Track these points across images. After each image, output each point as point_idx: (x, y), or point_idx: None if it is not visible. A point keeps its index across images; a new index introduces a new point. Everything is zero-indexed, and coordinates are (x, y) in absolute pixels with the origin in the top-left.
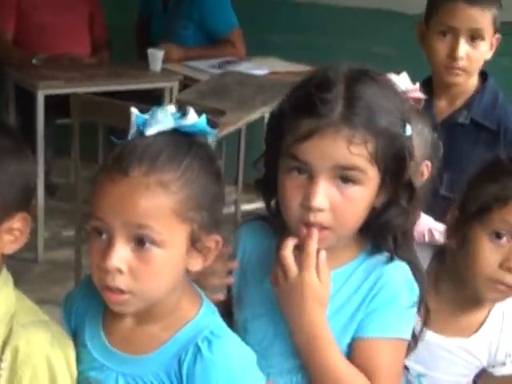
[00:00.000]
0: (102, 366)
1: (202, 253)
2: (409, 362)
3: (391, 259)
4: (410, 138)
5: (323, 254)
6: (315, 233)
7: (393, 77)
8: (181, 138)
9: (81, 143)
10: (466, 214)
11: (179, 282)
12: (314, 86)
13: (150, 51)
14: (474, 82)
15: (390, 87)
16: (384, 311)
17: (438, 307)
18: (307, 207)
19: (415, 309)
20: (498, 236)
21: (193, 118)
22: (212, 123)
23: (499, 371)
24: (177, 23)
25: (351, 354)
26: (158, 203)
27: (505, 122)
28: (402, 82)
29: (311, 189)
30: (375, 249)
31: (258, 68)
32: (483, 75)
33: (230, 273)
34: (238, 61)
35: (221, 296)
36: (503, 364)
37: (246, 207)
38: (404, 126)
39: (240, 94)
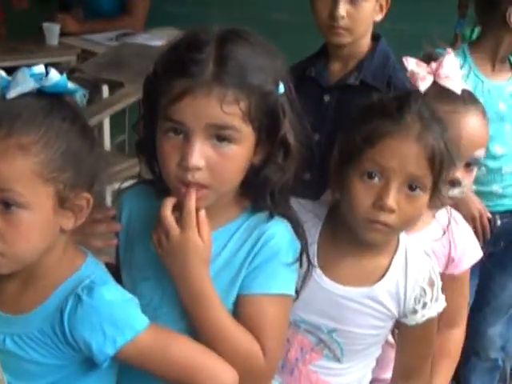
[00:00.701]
0: None
1: (73, 211)
2: (318, 319)
3: (271, 217)
4: (283, 95)
5: (203, 212)
6: (193, 191)
7: (408, 59)
8: (43, 99)
9: None
10: (342, 160)
11: (55, 241)
12: (186, 46)
13: (46, 25)
14: (365, 44)
15: (263, 46)
16: (266, 268)
17: (339, 259)
18: (184, 167)
19: (297, 265)
20: (370, 176)
21: (54, 78)
22: (81, 81)
23: (412, 320)
24: None
25: (237, 311)
26: (18, 167)
27: (394, 82)
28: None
29: (187, 148)
30: (256, 207)
31: (156, 39)
32: (376, 39)
33: (116, 235)
34: (136, 33)
35: (114, 241)
36: (414, 312)
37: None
38: (277, 85)
39: (138, 65)
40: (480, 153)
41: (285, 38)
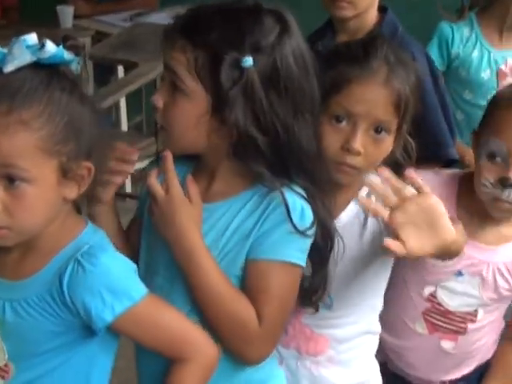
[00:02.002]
0: None
1: (75, 181)
2: None
3: (283, 185)
4: (251, 69)
5: (189, 176)
6: (169, 153)
7: None
8: (41, 71)
9: None
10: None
11: (57, 212)
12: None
13: (59, 8)
14: (372, 17)
15: (250, 19)
16: (273, 234)
17: None
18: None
19: (309, 236)
20: (338, 120)
21: (51, 50)
22: (74, 49)
23: None
24: None
25: (244, 276)
26: (21, 142)
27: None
28: None
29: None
30: (272, 177)
31: (170, 18)
32: (384, 10)
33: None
34: (150, 12)
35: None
36: None
37: None
38: (242, 55)
39: (152, 45)
40: None
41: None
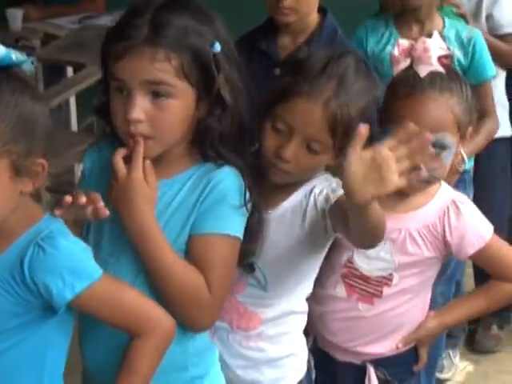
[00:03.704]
0: None
1: (29, 176)
2: None
3: (220, 165)
4: (220, 54)
5: (148, 161)
6: (140, 139)
7: (427, 42)
8: None
9: None
10: (266, 106)
11: (15, 203)
12: (128, 13)
13: (9, 11)
14: (313, 19)
15: (200, 11)
16: (214, 209)
17: None
18: (127, 120)
19: (244, 209)
20: (279, 126)
21: None
22: (27, 50)
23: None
24: None
25: (188, 250)
26: None
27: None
28: (436, 43)
29: (128, 103)
30: (206, 158)
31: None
32: (324, 12)
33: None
34: (98, 15)
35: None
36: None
37: None
38: (212, 44)
39: (99, 46)
40: (438, 137)
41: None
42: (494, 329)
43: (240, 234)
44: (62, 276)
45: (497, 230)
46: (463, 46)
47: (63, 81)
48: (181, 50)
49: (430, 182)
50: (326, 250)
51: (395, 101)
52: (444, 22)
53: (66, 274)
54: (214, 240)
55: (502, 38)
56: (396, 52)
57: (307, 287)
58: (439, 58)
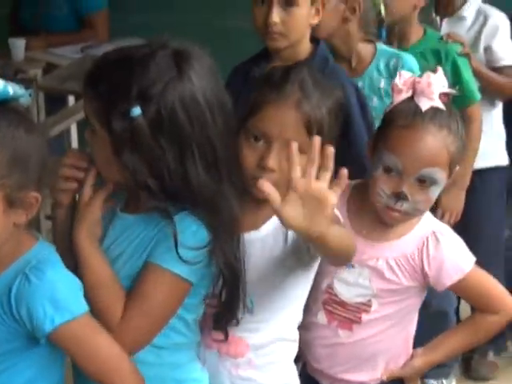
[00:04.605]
0: None
1: (23, 208)
2: None
3: (181, 210)
4: (141, 118)
5: (101, 188)
6: (94, 170)
7: (432, 77)
8: None
9: None
10: (239, 125)
11: (10, 234)
12: None
13: (11, 40)
14: (305, 47)
15: (136, 66)
16: (165, 243)
17: None
18: None
19: (202, 256)
20: (256, 139)
21: None
22: (25, 82)
23: None
24: (50, 2)
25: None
26: None
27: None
28: (440, 80)
29: None
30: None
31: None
32: (317, 42)
33: None
34: (100, 44)
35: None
36: None
37: None
38: (131, 105)
39: None
40: (430, 171)
41: (238, 44)
42: (491, 356)
43: (189, 277)
44: (43, 307)
45: (489, 259)
46: (390, 74)
47: (64, 109)
48: (98, 97)
49: (412, 214)
50: (314, 272)
51: (393, 129)
52: (375, 52)
53: (48, 305)
54: (154, 271)
55: (500, 70)
56: (399, 82)
57: (296, 313)
58: (440, 95)
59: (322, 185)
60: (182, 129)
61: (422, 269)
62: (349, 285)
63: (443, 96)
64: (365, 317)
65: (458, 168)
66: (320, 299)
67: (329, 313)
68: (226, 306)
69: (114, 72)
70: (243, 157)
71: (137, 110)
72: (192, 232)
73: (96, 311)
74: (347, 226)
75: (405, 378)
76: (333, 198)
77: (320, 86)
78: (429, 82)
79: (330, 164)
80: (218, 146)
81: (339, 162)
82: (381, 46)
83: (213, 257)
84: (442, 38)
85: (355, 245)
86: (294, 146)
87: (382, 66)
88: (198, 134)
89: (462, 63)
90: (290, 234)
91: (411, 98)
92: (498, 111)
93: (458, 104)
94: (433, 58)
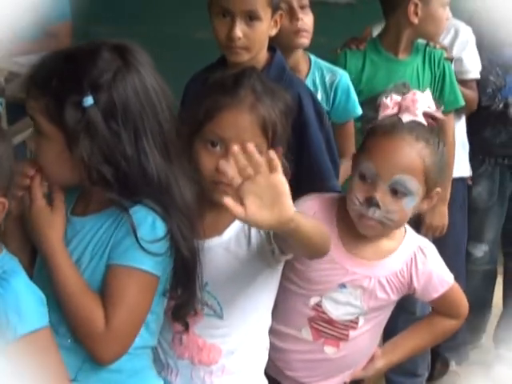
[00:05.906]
0: None
1: None
2: None
3: (136, 202)
4: (94, 108)
5: (57, 189)
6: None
7: (417, 95)
8: None
9: None
10: (190, 132)
11: None
12: None
13: None
14: (263, 56)
15: (85, 59)
16: (126, 241)
17: None
18: None
19: (163, 246)
20: (213, 144)
21: None
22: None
23: None
24: None
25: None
26: None
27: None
28: (425, 100)
29: None
30: (122, 197)
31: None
32: (273, 50)
33: None
34: None
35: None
36: None
37: None
38: (83, 95)
39: None
40: (404, 179)
41: (207, 57)
42: (453, 365)
43: (154, 270)
44: (7, 317)
45: (454, 267)
46: (325, 89)
47: (27, 118)
48: (46, 91)
49: (387, 224)
50: (279, 275)
51: (372, 138)
52: (310, 65)
53: (12, 315)
54: (119, 272)
55: (465, 82)
56: (387, 101)
57: (264, 317)
58: (425, 114)
59: (267, 175)
60: (135, 115)
61: (410, 283)
62: (338, 303)
63: (428, 117)
64: (352, 333)
65: (438, 189)
66: (306, 315)
67: (315, 330)
68: (184, 296)
69: (62, 67)
70: (201, 163)
71: (89, 100)
72: (149, 225)
73: (78, 320)
74: (339, 245)
75: (366, 379)
76: (280, 178)
77: (270, 89)
78: (414, 99)
79: (277, 163)
80: (167, 129)
81: (297, 170)
82: (315, 58)
83: (173, 243)
84: (428, 44)
85: (329, 234)
86: (251, 147)
87: (317, 79)
88: (151, 119)
89: (448, 67)
90: (253, 236)
91: (396, 114)
92: (461, 123)
93: (448, 105)
94: (428, 65)
